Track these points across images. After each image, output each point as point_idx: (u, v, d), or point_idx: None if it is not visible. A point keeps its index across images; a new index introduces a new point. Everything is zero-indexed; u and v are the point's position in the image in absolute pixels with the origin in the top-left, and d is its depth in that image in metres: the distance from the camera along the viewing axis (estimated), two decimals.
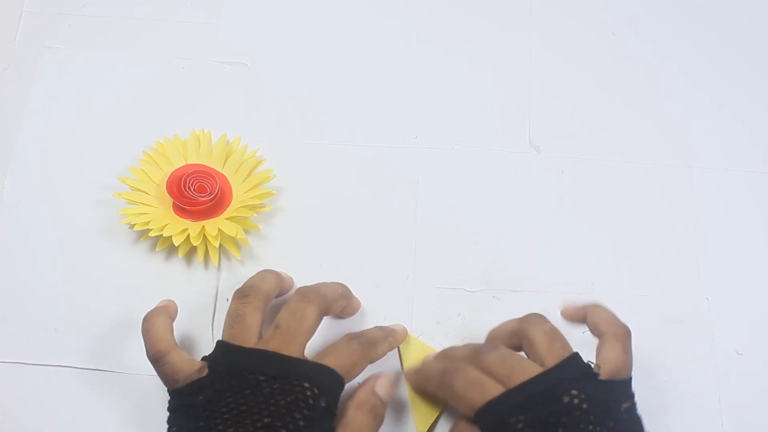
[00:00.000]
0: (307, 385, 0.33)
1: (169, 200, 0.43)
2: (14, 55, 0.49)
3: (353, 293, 0.41)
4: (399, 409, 0.41)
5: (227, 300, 0.42)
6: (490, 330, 0.40)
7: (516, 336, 0.37)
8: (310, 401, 0.33)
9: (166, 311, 0.38)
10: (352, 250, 0.44)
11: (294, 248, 0.44)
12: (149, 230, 0.42)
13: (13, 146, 0.46)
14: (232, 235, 0.42)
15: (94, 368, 0.41)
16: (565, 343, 0.36)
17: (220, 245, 0.43)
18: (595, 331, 0.37)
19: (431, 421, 0.39)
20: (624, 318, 0.37)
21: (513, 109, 0.48)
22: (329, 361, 0.35)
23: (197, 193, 0.42)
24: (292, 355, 0.34)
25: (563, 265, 0.45)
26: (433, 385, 0.37)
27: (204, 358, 0.35)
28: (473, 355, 0.36)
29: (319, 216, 0.45)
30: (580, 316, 0.38)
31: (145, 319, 0.37)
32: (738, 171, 0.47)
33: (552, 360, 0.34)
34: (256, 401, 0.32)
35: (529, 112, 0.48)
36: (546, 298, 0.43)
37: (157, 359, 0.35)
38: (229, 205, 0.44)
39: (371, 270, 0.44)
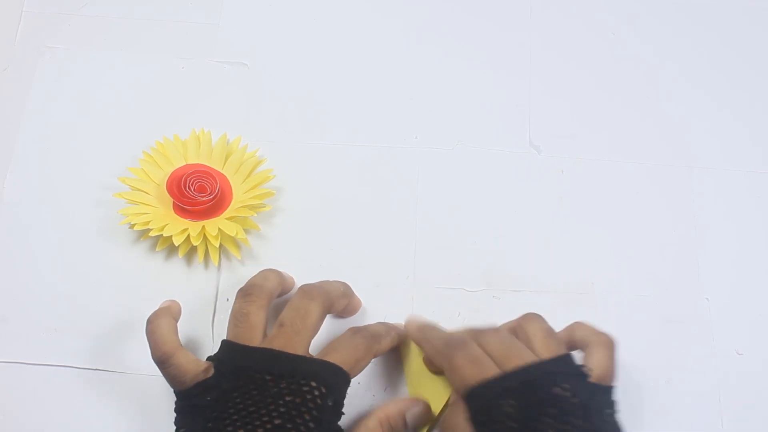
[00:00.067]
0: (314, 384, 0.33)
1: (169, 200, 0.43)
2: (14, 55, 0.49)
3: (354, 293, 0.41)
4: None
5: (228, 300, 0.42)
6: None
7: (514, 332, 0.37)
8: (318, 401, 0.33)
9: (170, 312, 0.38)
10: (352, 250, 0.44)
11: (294, 248, 0.44)
12: (149, 230, 0.42)
13: (13, 146, 0.46)
14: (232, 234, 0.42)
15: (94, 368, 0.41)
16: (560, 342, 0.36)
17: (220, 245, 0.43)
18: (581, 343, 0.37)
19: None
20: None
21: (513, 109, 0.48)
22: (334, 358, 0.35)
23: (197, 193, 0.42)
24: (297, 353, 0.34)
25: (563, 265, 0.45)
26: (433, 350, 0.37)
27: (209, 358, 0.35)
28: (475, 334, 0.37)
29: (319, 216, 0.45)
30: (567, 337, 0.38)
31: (149, 321, 0.37)
32: (738, 171, 0.47)
33: (547, 354, 0.35)
34: (264, 402, 0.32)
35: (529, 112, 0.48)
36: (546, 298, 0.44)
37: (163, 361, 0.35)
38: (229, 205, 0.44)
39: (371, 270, 0.44)
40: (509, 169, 0.47)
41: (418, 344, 0.39)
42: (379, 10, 0.51)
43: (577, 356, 0.36)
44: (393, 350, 0.41)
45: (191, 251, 0.43)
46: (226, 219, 0.43)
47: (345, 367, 0.35)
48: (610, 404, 0.34)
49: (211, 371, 0.34)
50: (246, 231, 0.44)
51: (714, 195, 0.47)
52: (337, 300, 0.38)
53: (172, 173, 0.44)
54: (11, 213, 0.45)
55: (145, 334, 0.37)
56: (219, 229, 0.42)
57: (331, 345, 0.36)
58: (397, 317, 0.42)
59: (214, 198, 0.42)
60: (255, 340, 0.35)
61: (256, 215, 0.43)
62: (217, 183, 0.43)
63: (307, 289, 0.37)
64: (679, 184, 0.47)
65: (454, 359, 0.35)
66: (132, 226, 0.43)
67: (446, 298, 0.43)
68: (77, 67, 0.48)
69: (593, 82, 0.49)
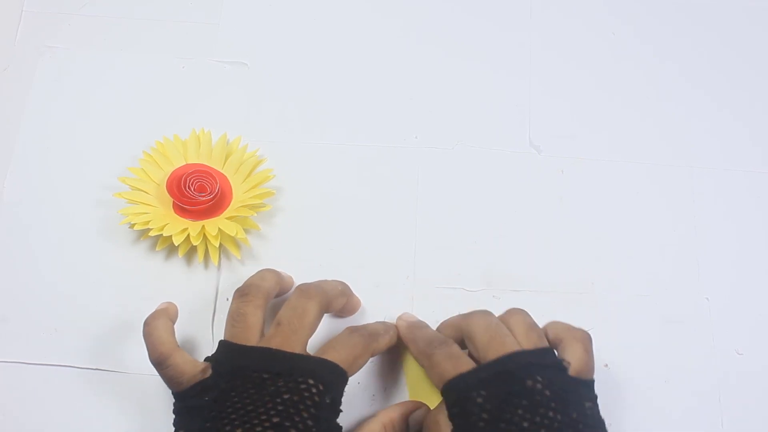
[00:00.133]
0: (311, 381, 0.33)
1: (169, 200, 0.43)
2: (14, 55, 0.49)
3: (353, 292, 0.41)
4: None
5: (227, 300, 0.42)
6: None
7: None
8: (316, 398, 0.33)
9: (167, 314, 0.38)
10: (352, 250, 0.44)
11: (294, 248, 0.44)
12: (149, 230, 0.42)
13: (13, 146, 0.46)
14: (232, 234, 0.42)
15: (94, 368, 0.41)
16: (541, 336, 0.36)
17: (220, 245, 0.43)
18: (556, 340, 0.37)
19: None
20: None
21: (513, 109, 0.48)
22: (332, 356, 0.35)
23: (197, 193, 0.42)
24: (295, 352, 0.34)
25: (563, 265, 0.45)
26: (416, 350, 0.38)
27: (207, 359, 0.35)
28: (464, 316, 0.37)
29: (319, 216, 0.45)
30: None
31: (146, 323, 0.37)
32: (738, 171, 0.47)
33: (527, 346, 0.35)
34: (262, 400, 0.32)
35: (529, 112, 0.48)
36: (546, 298, 0.44)
37: (160, 362, 0.35)
38: (229, 204, 0.44)
39: (371, 270, 0.44)
40: (509, 169, 0.47)
41: (406, 344, 0.39)
42: (379, 10, 0.51)
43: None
44: (392, 350, 0.41)
45: (191, 251, 0.43)
46: (226, 219, 0.43)
47: (343, 365, 0.35)
48: (591, 398, 0.35)
49: (209, 372, 0.34)
50: (246, 231, 0.44)
51: (714, 195, 0.47)
52: (334, 299, 0.38)
53: (172, 173, 0.44)
54: (11, 213, 0.45)
55: (142, 336, 0.37)
56: (219, 228, 0.42)
57: (329, 344, 0.36)
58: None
59: (214, 198, 0.42)
60: (252, 339, 0.35)
61: (256, 215, 0.43)
62: (217, 183, 0.43)
63: (304, 288, 0.37)
64: (679, 184, 0.47)
65: (433, 357, 0.35)
66: (132, 226, 0.43)
67: (446, 298, 0.43)
68: (77, 67, 0.48)
69: (593, 82, 0.49)
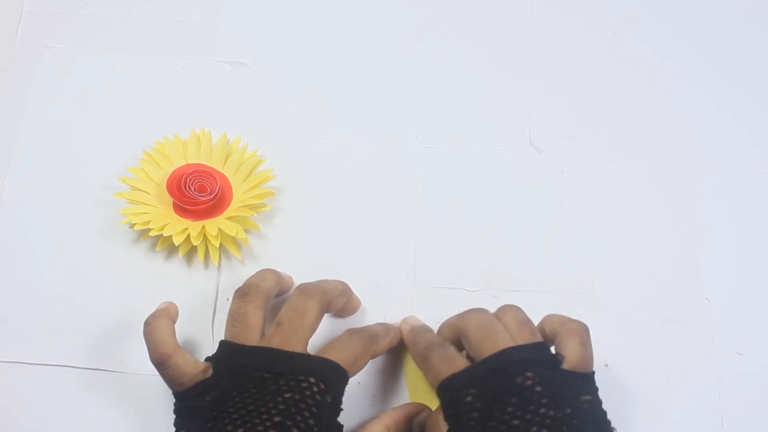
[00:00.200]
0: (312, 380, 0.33)
1: (170, 200, 0.43)
2: (14, 55, 0.49)
3: (353, 292, 0.41)
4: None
5: (227, 300, 0.42)
6: None
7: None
8: (317, 397, 0.33)
9: (167, 314, 0.38)
10: (352, 250, 0.44)
11: (294, 248, 0.44)
12: (149, 230, 0.42)
13: (13, 146, 0.46)
14: (233, 234, 0.42)
15: (94, 368, 0.41)
16: (534, 331, 0.36)
17: (221, 245, 0.43)
18: (552, 334, 0.37)
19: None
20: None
21: (513, 109, 0.48)
22: (332, 356, 0.35)
23: (197, 193, 0.42)
24: (296, 351, 0.34)
25: (563, 265, 0.45)
26: (415, 354, 0.38)
27: (208, 359, 0.35)
28: (460, 316, 0.37)
29: (319, 216, 0.45)
30: (540, 331, 0.38)
31: (147, 323, 0.37)
32: (738, 171, 0.47)
33: (519, 342, 0.35)
34: (264, 399, 0.32)
35: (529, 112, 0.48)
36: (546, 298, 0.44)
37: (161, 363, 0.35)
38: (229, 204, 0.44)
39: (371, 270, 0.44)
40: (509, 169, 0.47)
41: (408, 347, 0.39)
42: (379, 10, 0.51)
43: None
44: (393, 351, 0.41)
45: (191, 251, 0.43)
46: (226, 219, 0.43)
47: (343, 365, 0.35)
48: (590, 391, 0.34)
49: (210, 372, 0.34)
50: (246, 231, 0.44)
51: (714, 195, 0.47)
52: (335, 299, 0.38)
53: (172, 173, 0.44)
54: (11, 213, 0.45)
55: (142, 336, 0.37)
56: (219, 228, 0.42)
57: (329, 344, 0.36)
58: (397, 317, 0.42)
59: (214, 198, 0.42)
60: (253, 339, 0.35)
61: (256, 215, 0.43)
62: (217, 183, 0.43)
63: (304, 288, 0.37)
64: (679, 184, 0.47)
65: (429, 360, 0.36)
66: (132, 225, 0.43)
67: (446, 298, 0.43)
68: (77, 67, 0.48)
69: (593, 82, 0.49)
